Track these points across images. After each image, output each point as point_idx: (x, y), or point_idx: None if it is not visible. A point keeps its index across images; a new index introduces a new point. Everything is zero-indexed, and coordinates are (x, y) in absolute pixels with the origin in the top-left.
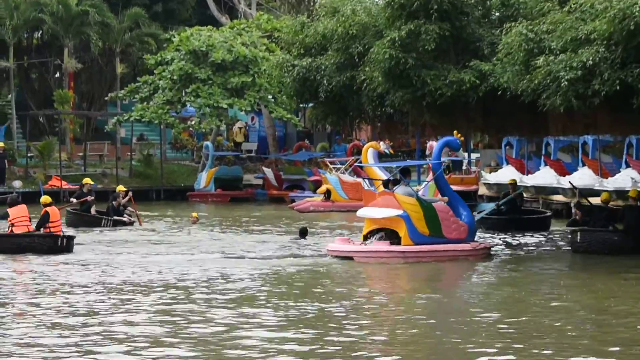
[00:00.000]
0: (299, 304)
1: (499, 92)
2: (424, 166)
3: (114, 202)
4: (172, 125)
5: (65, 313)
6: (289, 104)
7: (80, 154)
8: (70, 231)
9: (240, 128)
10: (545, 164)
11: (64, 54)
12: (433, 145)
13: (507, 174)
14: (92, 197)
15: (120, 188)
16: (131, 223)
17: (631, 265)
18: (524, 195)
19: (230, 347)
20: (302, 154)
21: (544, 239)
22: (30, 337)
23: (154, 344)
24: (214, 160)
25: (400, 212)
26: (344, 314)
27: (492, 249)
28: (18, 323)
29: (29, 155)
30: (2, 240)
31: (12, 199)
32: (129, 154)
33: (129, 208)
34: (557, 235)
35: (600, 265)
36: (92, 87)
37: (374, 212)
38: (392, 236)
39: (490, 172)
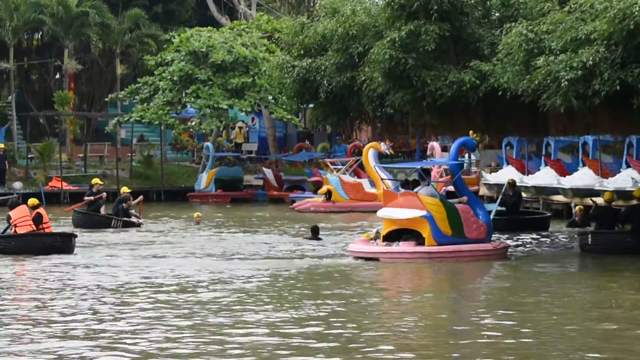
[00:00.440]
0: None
1: (499, 93)
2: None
3: (124, 204)
4: (173, 126)
5: (69, 314)
6: (289, 105)
7: (81, 155)
8: (76, 231)
9: (240, 128)
10: (546, 164)
11: (64, 55)
12: (434, 145)
13: (507, 174)
14: (104, 196)
15: (125, 190)
16: (139, 224)
17: None
18: (523, 195)
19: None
20: (302, 154)
21: (548, 239)
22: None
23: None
24: (215, 161)
25: (424, 212)
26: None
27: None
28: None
29: (29, 156)
30: (28, 239)
31: (12, 202)
32: (130, 155)
33: (131, 211)
34: (562, 236)
35: (618, 265)
36: (92, 88)
37: (396, 213)
38: (414, 237)
39: (490, 173)
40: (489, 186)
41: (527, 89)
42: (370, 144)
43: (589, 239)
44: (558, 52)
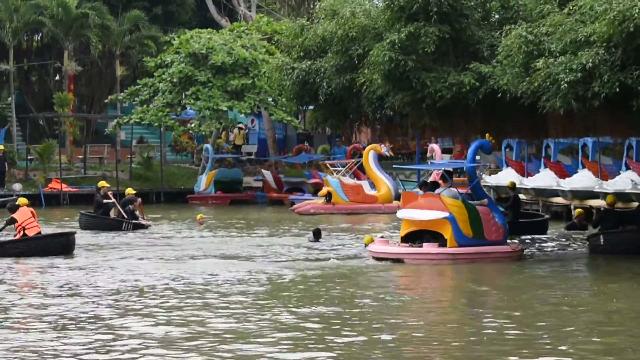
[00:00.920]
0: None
1: (499, 95)
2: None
3: (130, 206)
4: (172, 128)
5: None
6: (289, 107)
7: (80, 156)
8: (84, 234)
9: (239, 130)
10: (545, 166)
11: (63, 56)
12: (433, 147)
13: (507, 176)
14: (113, 201)
15: (129, 191)
16: (148, 226)
17: None
18: (522, 197)
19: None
20: (301, 156)
21: (553, 242)
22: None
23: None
24: (214, 163)
25: (446, 214)
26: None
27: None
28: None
29: (29, 158)
30: (48, 240)
31: (12, 205)
32: (129, 156)
33: (136, 212)
34: (564, 239)
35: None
36: (92, 90)
37: (418, 214)
38: (433, 238)
39: (490, 175)
40: (488, 188)
41: (526, 91)
42: (370, 146)
43: (601, 240)
44: (558, 54)
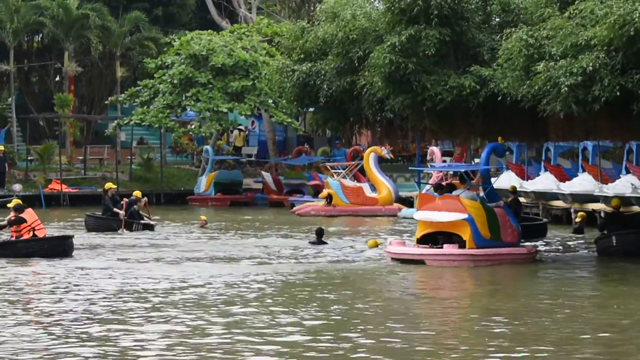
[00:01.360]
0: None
1: (499, 98)
2: (424, 171)
3: (135, 207)
4: (172, 129)
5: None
6: (289, 109)
7: (81, 157)
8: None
9: (240, 131)
10: (546, 170)
11: (64, 57)
12: (433, 150)
13: (507, 179)
14: (124, 203)
15: (137, 193)
16: (154, 226)
17: None
18: (522, 200)
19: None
20: (301, 158)
21: (557, 245)
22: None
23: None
24: (214, 165)
25: (465, 215)
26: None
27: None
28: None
29: (29, 158)
30: (61, 241)
31: (19, 206)
32: (129, 157)
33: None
34: (569, 242)
35: None
36: (92, 91)
37: (436, 216)
38: (449, 239)
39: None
40: None
41: (527, 94)
42: (371, 148)
43: (614, 241)
44: (558, 58)
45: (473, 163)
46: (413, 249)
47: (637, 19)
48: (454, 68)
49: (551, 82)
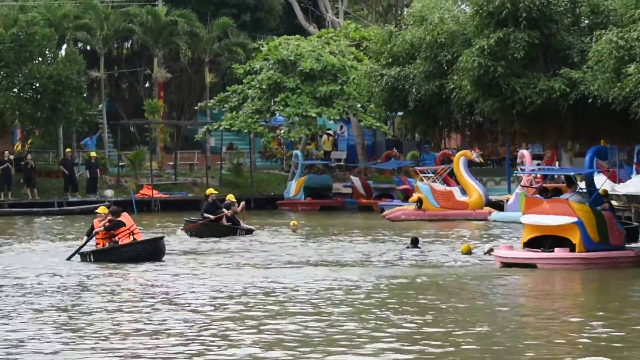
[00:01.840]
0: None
1: (590, 100)
2: (514, 175)
3: (229, 211)
4: (262, 134)
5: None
6: (378, 113)
7: (171, 163)
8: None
9: (328, 136)
10: (637, 172)
11: (153, 63)
12: (523, 153)
13: (597, 182)
14: (224, 209)
15: (231, 197)
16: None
17: None
18: (614, 203)
19: None
20: (390, 162)
21: None
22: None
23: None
24: (303, 169)
25: (575, 219)
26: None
27: None
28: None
29: (120, 164)
30: (160, 244)
31: (116, 210)
32: (219, 163)
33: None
34: None
35: None
36: (181, 97)
37: (545, 219)
38: (557, 243)
39: (581, 181)
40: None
41: (617, 97)
42: (461, 152)
43: None
44: None
45: (558, 166)
46: (525, 253)
47: None
48: (543, 71)
49: None
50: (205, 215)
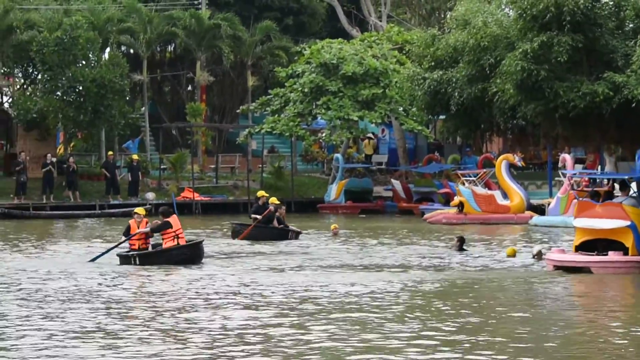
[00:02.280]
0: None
1: (634, 104)
2: (555, 179)
3: (277, 214)
4: (303, 138)
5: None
6: (420, 116)
7: (212, 166)
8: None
9: (369, 139)
10: None
11: (196, 67)
12: (565, 157)
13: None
14: (274, 210)
15: (274, 200)
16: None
17: None
18: None
19: None
20: (432, 166)
21: None
22: None
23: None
24: (344, 173)
25: (628, 222)
26: None
27: None
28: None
29: (161, 167)
30: (200, 248)
31: (166, 210)
32: (260, 166)
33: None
34: None
35: None
36: (223, 100)
37: (598, 223)
38: (608, 247)
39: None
40: None
41: None
42: (503, 155)
43: None
44: None
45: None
46: (578, 257)
47: None
48: (586, 74)
49: None
50: (254, 216)
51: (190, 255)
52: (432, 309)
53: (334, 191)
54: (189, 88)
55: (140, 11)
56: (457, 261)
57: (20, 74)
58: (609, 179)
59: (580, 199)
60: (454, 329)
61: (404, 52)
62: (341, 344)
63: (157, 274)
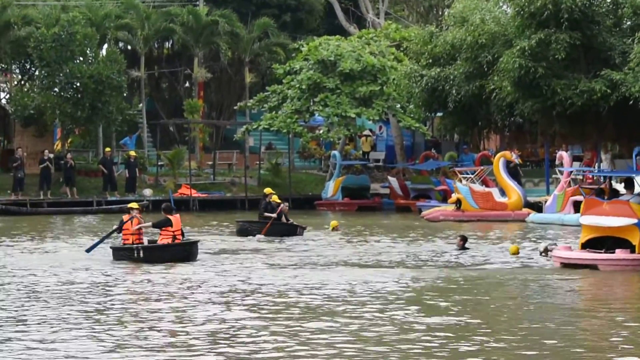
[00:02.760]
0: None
1: (631, 102)
2: (552, 176)
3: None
4: (300, 135)
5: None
6: (417, 113)
7: (210, 162)
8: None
9: (367, 137)
10: None
11: (193, 63)
12: (562, 155)
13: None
14: (285, 206)
15: (275, 199)
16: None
17: None
18: None
19: None
20: (429, 163)
21: None
22: None
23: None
24: (342, 170)
25: (635, 220)
26: None
27: None
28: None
29: (159, 163)
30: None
31: (168, 207)
32: (258, 162)
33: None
34: None
35: None
36: (221, 97)
37: (605, 221)
38: (615, 244)
39: (621, 183)
40: None
41: None
42: (500, 153)
43: None
44: None
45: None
46: (586, 254)
47: None
48: (584, 72)
49: None
50: (267, 214)
51: (190, 252)
52: (440, 306)
53: (331, 188)
54: (187, 84)
55: (138, 7)
56: (461, 259)
57: (17, 70)
58: (605, 177)
59: (587, 196)
60: (461, 324)
61: (401, 49)
62: (341, 344)
63: (156, 271)
